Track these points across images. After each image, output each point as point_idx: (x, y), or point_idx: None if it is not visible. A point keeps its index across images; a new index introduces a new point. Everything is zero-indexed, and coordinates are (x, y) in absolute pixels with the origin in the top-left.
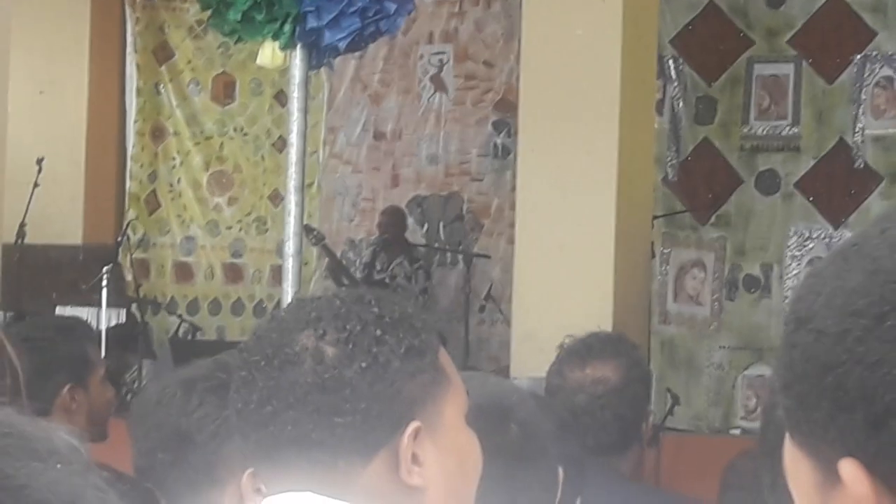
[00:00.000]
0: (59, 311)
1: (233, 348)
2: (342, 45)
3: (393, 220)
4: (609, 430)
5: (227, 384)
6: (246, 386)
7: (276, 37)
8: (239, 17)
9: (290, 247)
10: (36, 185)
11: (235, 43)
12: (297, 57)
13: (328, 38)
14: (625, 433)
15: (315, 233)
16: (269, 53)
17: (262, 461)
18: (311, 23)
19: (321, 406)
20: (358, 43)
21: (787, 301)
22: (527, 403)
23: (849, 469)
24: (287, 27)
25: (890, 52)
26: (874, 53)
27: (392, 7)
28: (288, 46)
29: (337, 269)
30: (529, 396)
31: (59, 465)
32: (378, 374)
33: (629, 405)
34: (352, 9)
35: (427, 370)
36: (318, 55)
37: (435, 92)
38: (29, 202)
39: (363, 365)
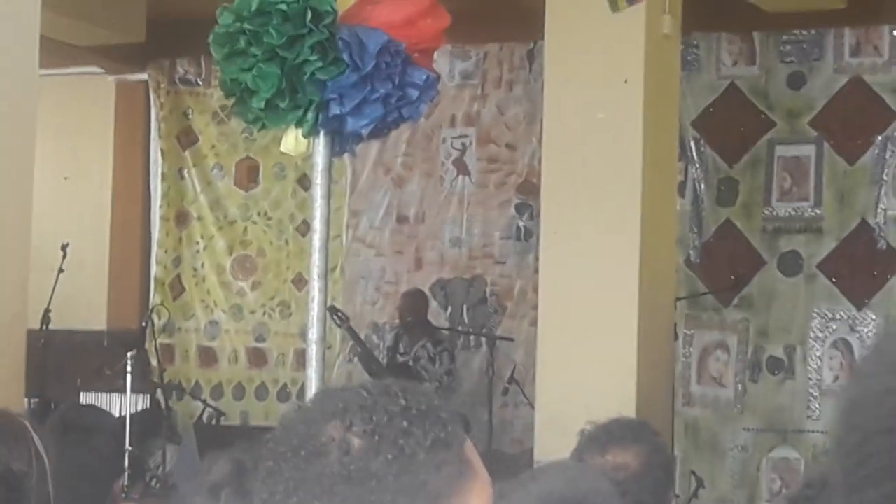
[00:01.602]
0: (83, 397)
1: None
2: (365, 131)
3: (414, 302)
4: None
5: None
6: (272, 476)
7: (299, 124)
8: (262, 104)
9: (313, 333)
10: (61, 270)
11: (259, 130)
12: (321, 143)
13: (351, 124)
14: None
15: (340, 314)
16: (292, 141)
17: None
18: (334, 110)
19: (347, 498)
20: (381, 129)
21: (842, 410)
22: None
23: None
24: (310, 115)
25: None
26: (895, 134)
27: (415, 94)
28: (311, 133)
29: (363, 354)
30: (611, 491)
31: None
32: (404, 466)
33: (650, 492)
34: (374, 96)
35: (453, 462)
36: (341, 142)
37: (458, 175)
38: (54, 288)
39: (389, 457)
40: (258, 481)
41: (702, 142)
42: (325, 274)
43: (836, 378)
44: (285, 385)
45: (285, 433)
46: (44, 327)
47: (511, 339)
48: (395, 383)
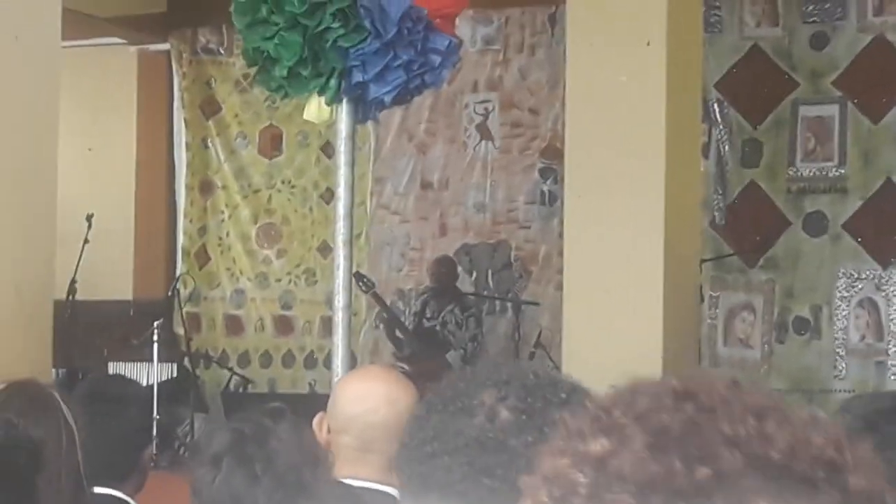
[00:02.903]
0: (111, 367)
1: (284, 401)
2: (388, 98)
3: (445, 269)
4: None
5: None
6: (418, 423)
7: (322, 92)
8: (285, 73)
9: (339, 300)
10: (86, 241)
11: (282, 98)
12: (344, 111)
13: (374, 91)
14: None
15: (365, 280)
16: (315, 108)
17: (407, 497)
18: (357, 77)
19: (475, 462)
20: (403, 96)
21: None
22: None
23: None
24: (333, 82)
25: None
26: None
27: (437, 60)
28: (334, 101)
29: (389, 319)
30: None
31: None
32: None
33: None
34: (397, 62)
35: None
36: (364, 109)
37: (481, 140)
38: (79, 259)
39: (529, 439)
40: (406, 426)
41: (725, 103)
42: (350, 241)
43: (863, 337)
44: (312, 352)
45: (445, 388)
46: (70, 298)
47: (537, 304)
48: (565, 379)
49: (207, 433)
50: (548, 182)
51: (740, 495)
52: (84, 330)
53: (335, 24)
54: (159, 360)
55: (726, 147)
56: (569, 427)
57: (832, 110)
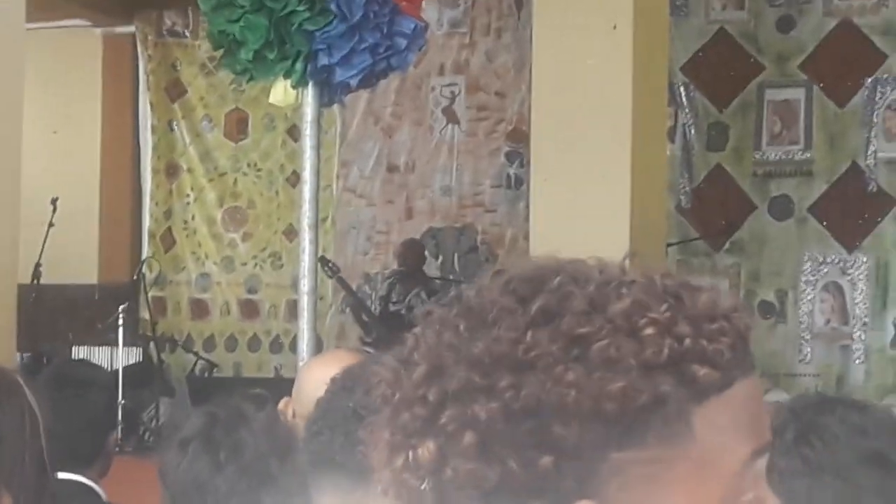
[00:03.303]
0: (75, 351)
1: (249, 385)
2: (354, 81)
3: (412, 251)
4: None
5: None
6: (315, 407)
7: (287, 75)
8: (251, 56)
9: (305, 284)
10: (51, 224)
11: (248, 82)
12: (309, 94)
13: (340, 75)
14: None
15: (330, 265)
16: (281, 92)
17: (310, 477)
18: (323, 60)
19: (352, 434)
20: (369, 79)
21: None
22: None
23: None
24: (299, 65)
25: None
26: (885, 76)
27: (403, 43)
28: (300, 84)
29: (354, 303)
30: None
31: None
32: None
33: None
34: (362, 46)
35: None
36: (330, 92)
37: (447, 123)
38: (44, 242)
39: None
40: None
41: (691, 87)
42: (316, 225)
43: (828, 321)
44: (278, 336)
45: (340, 375)
46: (35, 282)
47: None
48: None
49: (184, 416)
50: (514, 165)
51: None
52: (49, 314)
53: (301, 7)
54: (124, 345)
55: (692, 131)
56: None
57: (798, 94)
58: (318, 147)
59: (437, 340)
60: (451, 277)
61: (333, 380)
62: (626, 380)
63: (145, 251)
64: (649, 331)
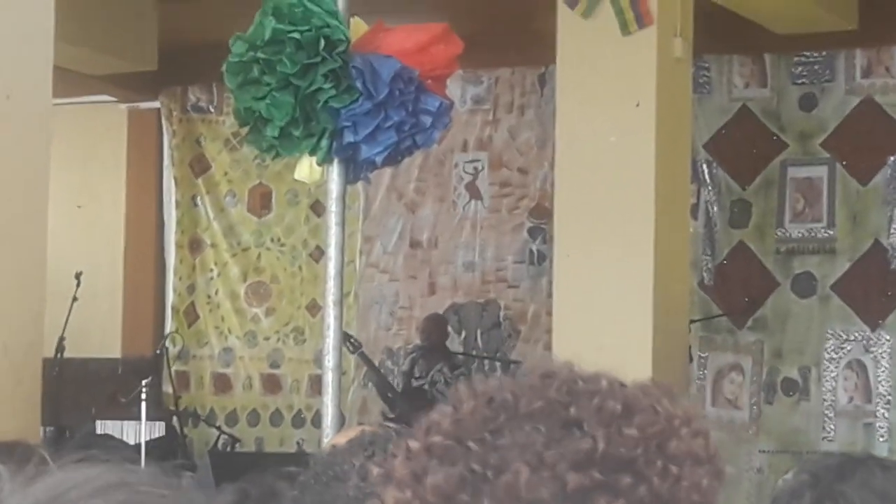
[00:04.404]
0: (98, 425)
1: (272, 460)
2: (379, 159)
3: (435, 327)
4: None
5: None
6: (294, 503)
7: (313, 152)
8: (276, 133)
9: (329, 360)
10: (75, 298)
11: (273, 158)
12: (335, 171)
13: (365, 152)
14: None
15: (353, 340)
16: (306, 168)
17: None
18: (348, 138)
19: None
20: (394, 157)
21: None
22: None
23: None
24: (324, 142)
25: None
26: None
27: (428, 121)
28: (325, 161)
29: (377, 380)
30: None
31: None
32: None
33: None
34: (388, 123)
35: None
36: (355, 169)
37: (470, 199)
38: (68, 316)
39: None
40: None
41: (714, 164)
42: (341, 301)
43: (851, 399)
44: (300, 411)
45: (314, 464)
46: (58, 355)
47: (525, 363)
48: None
49: (219, 489)
50: (537, 241)
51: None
52: (72, 387)
53: (327, 85)
54: (147, 419)
55: (715, 208)
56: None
57: (821, 171)
58: (342, 224)
59: (527, 441)
60: (473, 353)
61: (300, 480)
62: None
63: (168, 326)
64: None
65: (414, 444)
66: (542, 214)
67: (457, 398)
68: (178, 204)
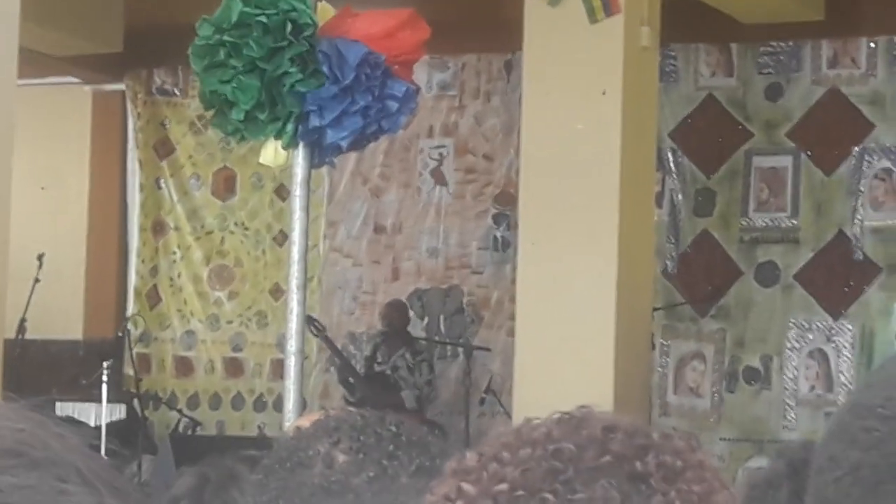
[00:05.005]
0: (59, 406)
1: (232, 444)
2: (344, 143)
3: (397, 312)
4: None
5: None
6: (258, 488)
7: (278, 136)
8: (242, 116)
9: (292, 344)
10: (37, 280)
11: (239, 142)
12: (300, 155)
13: (331, 137)
14: None
15: (316, 323)
16: (271, 152)
17: None
18: (314, 122)
19: None
20: (360, 141)
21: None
22: None
23: None
24: (290, 126)
25: (888, 144)
26: (872, 145)
27: (394, 106)
28: (290, 145)
29: (341, 363)
30: None
31: None
32: (385, 485)
33: None
34: (354, 108)
35: None
36: (320, 154)
37: (435, 185)
38: (30, 297)
39: (371, 475)
40: (245, 494)
41: (679, 153)
42: (304, 285)
43: (812, 388)
44: (261, 395)
45: (277, 448)
46: (19, 337)
47: (488, 350)
48: (392, 415)
49: (167, 474)
50: (501, 228)
51: None
52: (33, 369)
53: (293, 69)
54: (108, 401)
55: (680, 196)
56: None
57: (786, 161)
58: (307, 208)
59: (606, 496)
60: (436, 338)
61: (264, 463)
62: None
63: (130, 308)
64: None
65: (470, 490)
66: (506, 201)
67: (503, 443)
68: (141, 187)
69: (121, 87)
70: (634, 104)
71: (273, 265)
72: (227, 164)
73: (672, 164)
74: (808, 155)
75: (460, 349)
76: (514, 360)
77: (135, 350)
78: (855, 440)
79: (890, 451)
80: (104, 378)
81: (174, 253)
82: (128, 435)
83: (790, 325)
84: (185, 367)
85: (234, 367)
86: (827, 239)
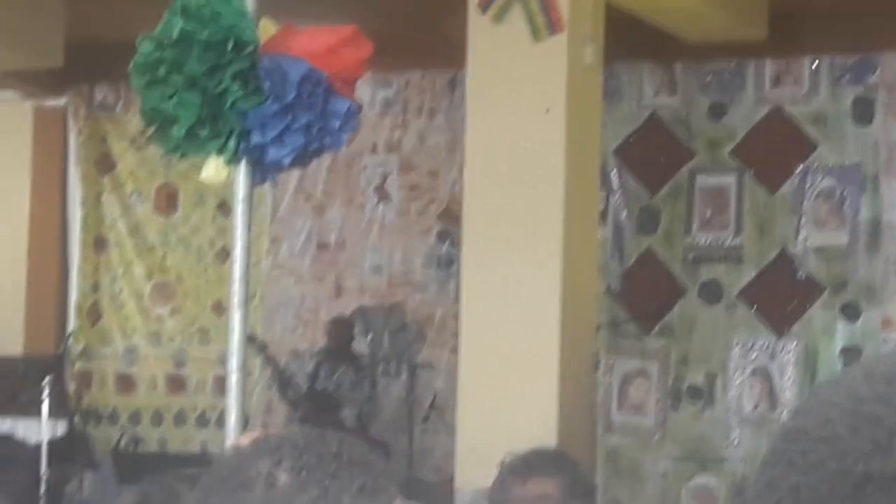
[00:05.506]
0: None
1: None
2: (286, 161)
3: (340, 329)
4: None
5: None
6: None
7: (220, 153)
8: (183, 133)
9: (234, 362)
10: None
11: (180, 159)
12: (241, 173)
13: (272, 154)
14: None
15: (258, 342)
16: (213, 169)
17: None
18: (256, 139)
19: None
20: (302, 159)
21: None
22: None
23: None
24: (231, 143)
25: (831, 164)
26: (815, 165)
27: (337, 123)
28: (232, 162)
29: (281, 380)
30: None
31: None
32: None
33: None
34: (296, 125)
35: None
36: (262, 171)
37: (378, 202)
38: None
39: (314, 495)
40: None
41: (623, 171)
42: (245, 303)
43: (756, 406)
44: (204, 411)
45: (217, 468)
46: None
47: (431, 367)
48: (334, 434)
49: (109, 492)
50: (445, 245)
51: None
52: None
53: (235, 86)
54: (49, 417)
55: (624, 214)
56: None
57: (729, 180)
58: (249, 225)
59: None
60: (379, 356)
61: (202, 483)
62: None
63: (72, 324)
64: None
65: None
66: (450, 218)
67: None
68: (83, 202)
69: (62, 102)
70: (578, 122)
71: (215, 282)
72: (169, 181)
73: (616, 183)
74: (751, 173)
75: (404, 367)
76: (457, 378)
77: (76, 366)
78: (792, 463)
79: (829, 472)
80: (45, 394)
81: (116, 269)
82: (69, 452)
83: (734, 343)
84: (126, 383)
85: (176, 384)
86: (770, 258)
